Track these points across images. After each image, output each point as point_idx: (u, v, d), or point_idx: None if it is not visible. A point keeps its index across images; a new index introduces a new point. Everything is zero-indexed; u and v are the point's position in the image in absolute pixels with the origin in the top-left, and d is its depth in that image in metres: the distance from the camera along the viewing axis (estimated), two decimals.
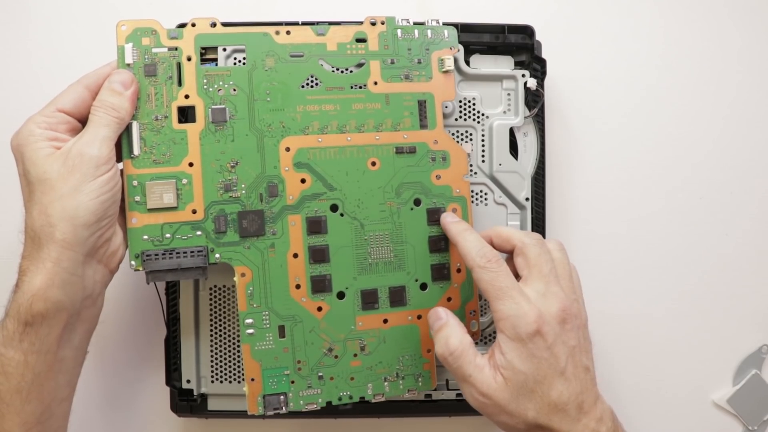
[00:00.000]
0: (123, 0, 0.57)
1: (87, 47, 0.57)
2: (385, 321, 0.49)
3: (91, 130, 0.43)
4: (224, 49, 0.50)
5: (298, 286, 0.48)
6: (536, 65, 0.55)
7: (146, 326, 0.57)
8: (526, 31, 0.55)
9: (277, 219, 0.48)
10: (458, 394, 0.54)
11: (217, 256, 0.47)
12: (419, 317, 0.50)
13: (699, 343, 0.60)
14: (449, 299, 0.50)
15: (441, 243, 0.50)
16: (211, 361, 0.53)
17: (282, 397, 0.48)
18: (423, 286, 0.50)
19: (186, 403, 0.53)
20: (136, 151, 0.46)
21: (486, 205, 0.54)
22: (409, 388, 0.50)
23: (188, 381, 0.53)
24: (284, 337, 0.48)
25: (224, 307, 0.53)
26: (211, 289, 0.53)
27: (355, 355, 0.49)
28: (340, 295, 0.49)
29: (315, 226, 0.48)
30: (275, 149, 0.48)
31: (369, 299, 0.49)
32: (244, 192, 0.48)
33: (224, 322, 0.53)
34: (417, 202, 0.50)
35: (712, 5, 0.60)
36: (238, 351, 0.53)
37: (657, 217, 0.60)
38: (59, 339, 0.42)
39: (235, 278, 0.47)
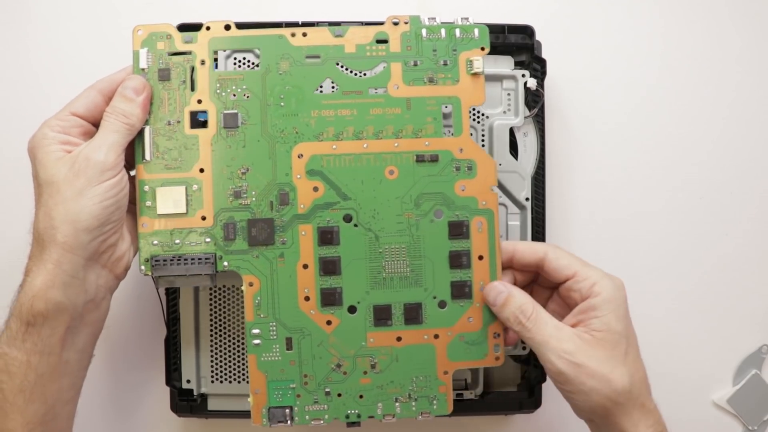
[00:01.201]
0: (123, 0, 0.57)
1: (87, 47, 0.57)
2: (399, 339, 0.47)
3: (100, 135, 0.44)
4: (224, 50, 0.49)
5: (307, 298, 0.46)
6: (536, 65, 0.54)
7: (146, 326, 0.57)
8: (526, 31, 0.54)
9: (287, 228, 0.46)
10: (458, 394, 0.52)
11: (225, 263, 0.46)
12: (436, 336, 0.47)
13: (699, 343, 0.60)
14: (470, 319, 0.47)
15: (463, 258, 0.47)
16: (211, 361, 0.53)
17: (287, 410, 0.46)
18: (441, 304, 0.47)
19: (186, 403, 0.53)
20: (147, 156, 0.46)
21: None
22: (422, 411, 0.47)
23: (188, 381, 0.53)
24: (291, 350, 0.46)
25: (224, 307, 0.53)
26: (211, 289, 0.53)
27: (365, 372, 0.47)
28: (351, 310, 0.47)
29: (327, 236, 0.46)
30: (287, 156, 0.46)
31: (382, 315, 0.47)
32: (254, 199, 0.46)
33: (224, 322, 0.53)
34: (438, 215, 0.47)
35: (712, 5, 0.60)
36: (239, 351, 0.53)
37: (657, 217, 0.60)
38: (62, 341, 0.42)
39: (242, 287, 0.46)
